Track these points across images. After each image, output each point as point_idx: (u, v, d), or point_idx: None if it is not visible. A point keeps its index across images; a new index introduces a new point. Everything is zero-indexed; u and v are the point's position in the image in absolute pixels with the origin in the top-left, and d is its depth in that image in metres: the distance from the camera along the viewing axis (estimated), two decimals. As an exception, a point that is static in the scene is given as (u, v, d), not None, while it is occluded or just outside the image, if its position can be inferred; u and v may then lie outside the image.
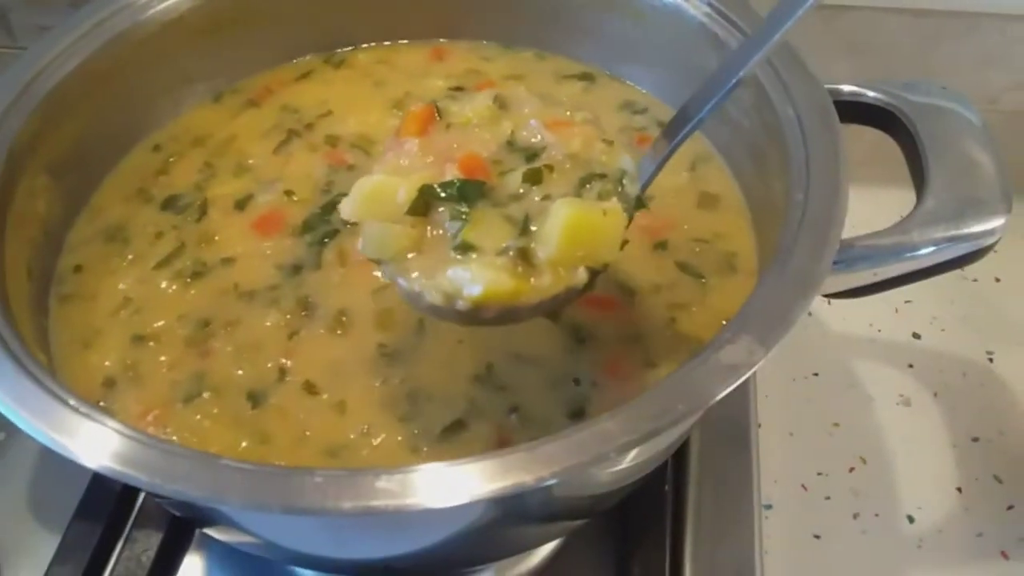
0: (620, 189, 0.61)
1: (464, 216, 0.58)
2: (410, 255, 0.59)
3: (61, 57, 0.77)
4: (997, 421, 0.90)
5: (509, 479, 0.50)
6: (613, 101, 0.87)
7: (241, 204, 0.79)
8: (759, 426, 0.88)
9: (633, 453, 0.58)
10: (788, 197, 0.66)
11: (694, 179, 0.81)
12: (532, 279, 0.57)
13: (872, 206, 0.83)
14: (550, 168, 0.60)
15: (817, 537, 0.83)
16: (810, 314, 0.99)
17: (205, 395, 0.67)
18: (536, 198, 0.59)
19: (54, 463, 0.86)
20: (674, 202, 0.79)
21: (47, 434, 0.52)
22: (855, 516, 0.84)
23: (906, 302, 0.99)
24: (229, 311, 0.72)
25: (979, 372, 0.94)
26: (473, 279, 0.56)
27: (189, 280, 0.75)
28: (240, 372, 0.69)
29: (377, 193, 0.59)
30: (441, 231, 0.59)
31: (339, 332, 0.70)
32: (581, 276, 0.58)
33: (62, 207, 0.78)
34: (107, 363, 0.69)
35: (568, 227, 0.57)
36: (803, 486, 0.86)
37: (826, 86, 0.72)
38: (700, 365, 0.55)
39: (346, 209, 0.60)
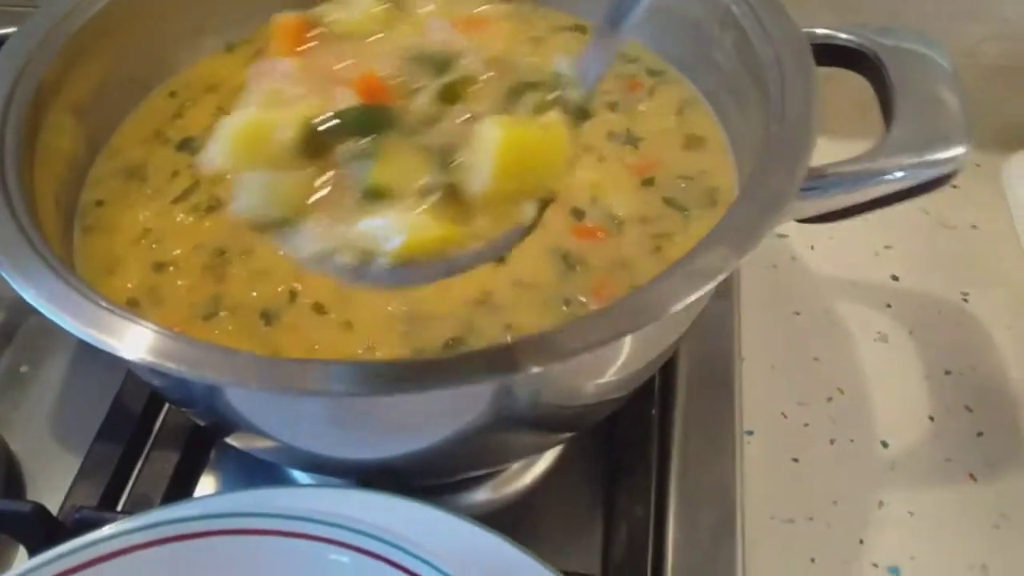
0: (558, 97, 0.51)
1: (369, 153, 0.48)
2: (307, 211, 0.48)
3: (81, 5, 0.82)
4: (969, 356, 0.95)
5: (508, 365, 0.54)
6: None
7: None
8: (742, 360, 0.93)
9: (624, 346, 0.63)
10: (766, 130, 0.71)
11: (681, 122, 0.85)
12: (465, 222, 0.48)
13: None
14: (469, 81, 0.51)
15: (795, 460, 0.88)
16: (793, 258, 1.04)
17: (222, 314, 0.72)
18: (457, 120, 0.49)
19: (76, 391, 0.93)
20: (662, 143, 0.84)
21: (91, 333, 0.57)
22: (832, 442, 0.89)
23: (886, 247, 1.04)
24: (243, 242, 0.77)
25: (954, 311, 0.98)
26: (391, 229, 0.47)
27: (204, 214, 0.79)
28: (254, 294, 0.73)
29: (252, 133, 0.48)
30: (342, 174, 0.49)
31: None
32: (527, 212, 0.50)
33: (85, 146, 0.83)
34: (129, 285, 0.74)
35: (501, 153, 0.47)
36: (783, 414, 0.91)
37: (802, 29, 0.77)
38: (678, 270, 0.59)
39: (212, 157, 0.49)
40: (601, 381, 0.70)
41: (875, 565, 0.81)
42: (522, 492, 0.86)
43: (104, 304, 0.59)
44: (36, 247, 0.64)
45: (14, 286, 0.61)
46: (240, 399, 0.64)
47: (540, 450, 0.84)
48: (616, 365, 0.69)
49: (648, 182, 0.81)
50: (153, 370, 0.56)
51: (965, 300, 0.99)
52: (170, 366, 0.54)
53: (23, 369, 0.97)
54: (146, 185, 0.82)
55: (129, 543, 0.65)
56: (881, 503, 0.85)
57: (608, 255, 0.76)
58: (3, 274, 0.62)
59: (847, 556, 0.82)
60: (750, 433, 0.90)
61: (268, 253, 0.76)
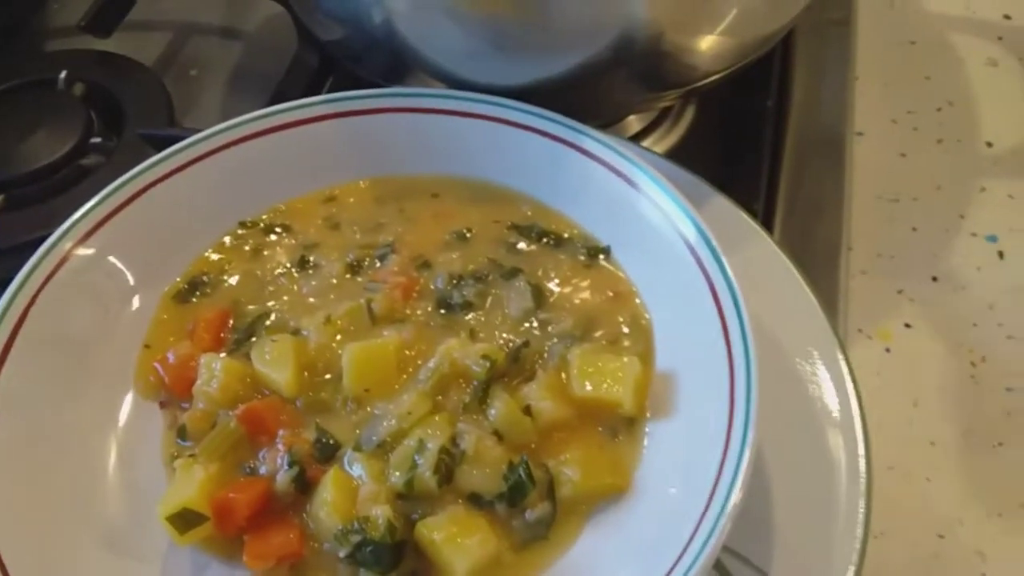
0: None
1: None
2: None
3: None
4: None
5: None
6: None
7: None
8: (856, 79, 1.00)
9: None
10: None
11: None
12: None
13: None
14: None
15: (903, 155, 0.95)
16: (909, -3, 1.09)
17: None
18: None
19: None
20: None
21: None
22: (939, 141, 0.95)
23: (1000, -11, 1.08)
24: None
25: (1064, 44, 1.03)
26: None
27: None
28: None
29: None
30: None
31: None
32: None
33: None
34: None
35: None
36: (893, 120, 0.98)
37: None
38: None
39: None
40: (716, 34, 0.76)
41: (974, 234, 0.88)
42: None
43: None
44: None
45: None
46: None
47: (651, 105, 0.91)
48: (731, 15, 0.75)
49: None
50: None
51: (1075, 34, 1.03)
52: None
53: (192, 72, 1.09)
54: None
55: (314, 113, 0.76)
56: (983, 188, 0.91)
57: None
58: None
59: (948, 226, 0.88)
60: (860, 134, 0.96)
61: None
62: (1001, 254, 0.86)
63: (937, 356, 0.80)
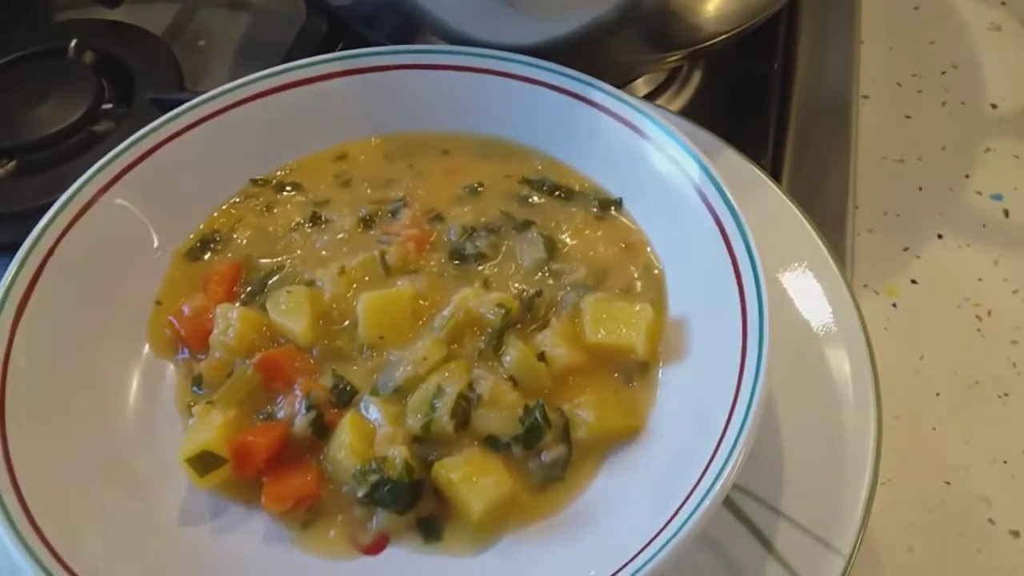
0: None
1: None
2: None
3: None
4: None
5: None
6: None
7: None
8: (861, 42, 1.00)
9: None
10: None
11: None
12: None
13: None
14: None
15: (908, 117, 0.95)
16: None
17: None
18: None
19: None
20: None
21: None
22: (943, 103, 0.96)
23: (1004, -43, 1.09)
24: None
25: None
26: None
27: None
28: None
29: None
30: None
31: None
32: None
33: None
34: None
35: None
36: (898, 83, 0.98)
37: None
38: None
39: None
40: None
41: (979, 193, 0.89)
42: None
43: None
44: None
45: None
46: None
47: (659, 66, 0.91)
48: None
49: None
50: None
51: (1079, 0, 1.04)
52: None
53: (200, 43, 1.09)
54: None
55: (325, 71, 0.77)
56: (988, 149, 0.92)
57: None
58: None
59: (953, 185, 0.89)
60: (866, 97, 0.97)
61: None
62: (1007, 212, 0.87)
63: (943, 311, 0.81)
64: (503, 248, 0.71)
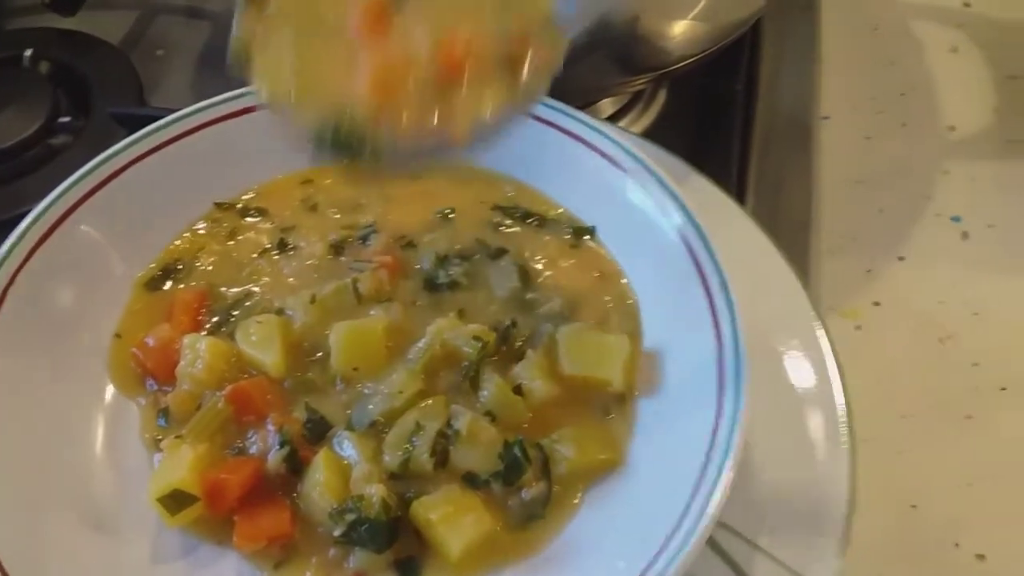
0: None
1: None
2: None
3: None
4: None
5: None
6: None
7: None
8: (822, 64, 1.02)
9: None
10: None
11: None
12: None
13: None
14: None
15: (868, 138, 0.97)
16: (873, -16, 1.11)
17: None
18: None
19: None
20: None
21: None
22: (903, 125, 0.98)
23: (959, -21, 1.11)
24: None
25: (1019, 31, 1.06)
26: None
27: None
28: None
29: None
30: None
31: None
32: None
33: None
34: None
35: None
36: (858, 105, 1.00)
37: None
38: None
39: None
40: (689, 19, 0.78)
41: (938, 215, 0.90)
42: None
43: None
44: None
45: None
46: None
47: (625, 88, 0.92)
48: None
49: None
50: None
51: (1032, 21, 1.06)
52: None
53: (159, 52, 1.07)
54: None
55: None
56: (946, 171, 0.93)
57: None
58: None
59: (913, 207, 0.91)
60: (826, 118, 0.98)
61: None
62: (965, 234, 0.89)
63: (906, 333, 0.82)
64: (477, 277, 0.70)
